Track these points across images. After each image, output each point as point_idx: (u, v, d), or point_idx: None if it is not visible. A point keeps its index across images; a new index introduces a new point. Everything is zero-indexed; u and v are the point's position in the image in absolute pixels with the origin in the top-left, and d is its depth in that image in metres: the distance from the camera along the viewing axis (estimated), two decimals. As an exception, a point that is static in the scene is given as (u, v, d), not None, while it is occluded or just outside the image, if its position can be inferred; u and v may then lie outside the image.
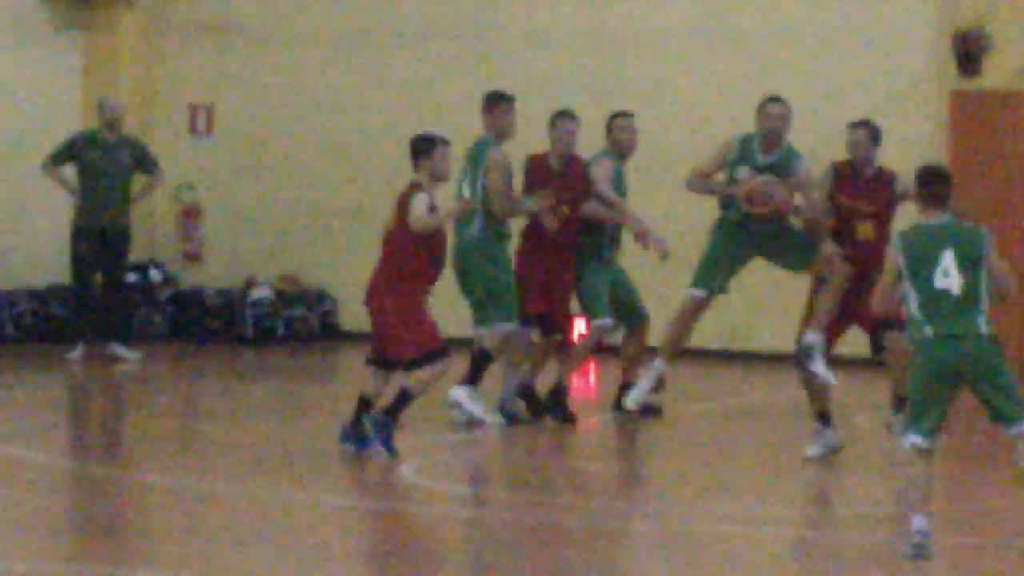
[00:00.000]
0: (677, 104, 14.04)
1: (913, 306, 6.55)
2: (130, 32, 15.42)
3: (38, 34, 14.91)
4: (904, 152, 12.16)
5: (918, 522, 6.21)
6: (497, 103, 10.56)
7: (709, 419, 11.02)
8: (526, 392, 9.77)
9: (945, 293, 6.34)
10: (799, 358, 8.89)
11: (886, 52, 13.74)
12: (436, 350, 8.46)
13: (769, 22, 13.95)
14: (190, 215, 15.12)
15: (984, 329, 6.33)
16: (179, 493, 8.25)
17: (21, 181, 14.02)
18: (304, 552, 6.44)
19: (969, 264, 6.39)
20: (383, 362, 8.71)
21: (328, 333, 14.40)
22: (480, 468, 9.63)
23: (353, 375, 11.96)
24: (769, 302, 12.39)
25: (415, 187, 8.38)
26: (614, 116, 10.76)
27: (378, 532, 7.29)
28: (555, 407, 9.74)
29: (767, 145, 9.09)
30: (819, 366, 8.79)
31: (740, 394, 12.07)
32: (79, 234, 13.14)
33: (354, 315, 13.60)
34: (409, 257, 8.34)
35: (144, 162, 13.44)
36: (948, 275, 6.44)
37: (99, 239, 13.15)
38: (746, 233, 9.21)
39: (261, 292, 14.26)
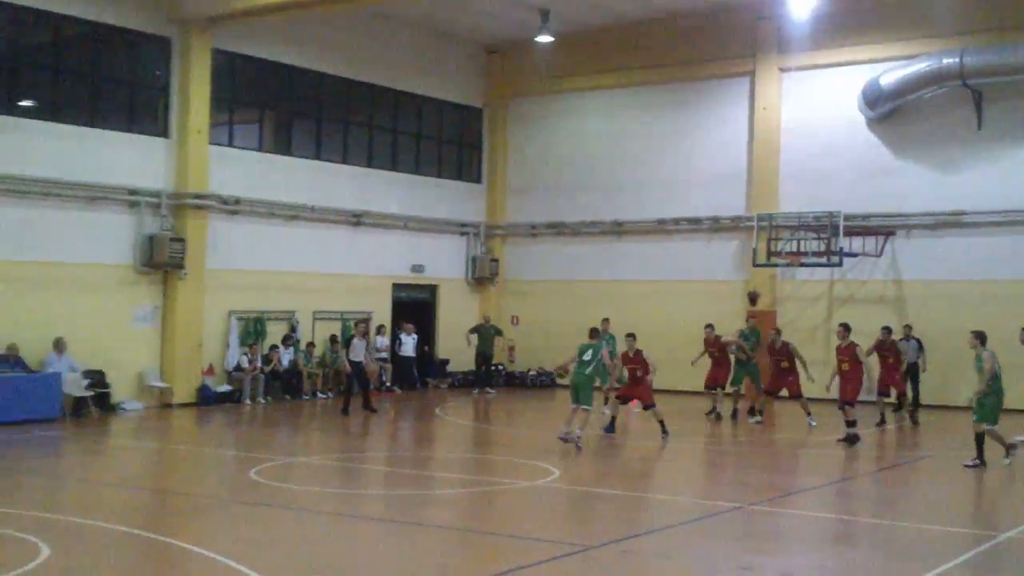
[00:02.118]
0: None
1: None
2: (494, 292, 30.03)
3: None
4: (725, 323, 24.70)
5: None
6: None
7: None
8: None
9: None
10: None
11: (720, 296, 26.39)
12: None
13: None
14: (511, 350, 30.05)
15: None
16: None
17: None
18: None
19: None
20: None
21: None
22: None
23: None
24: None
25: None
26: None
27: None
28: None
29: None
30: None
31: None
32: (477, 356, 27.53)
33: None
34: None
35: (499, 332, 27.88)
36: None
37: (484, 358, 27.60)
38: None
39: (536, 372, 29.29)
